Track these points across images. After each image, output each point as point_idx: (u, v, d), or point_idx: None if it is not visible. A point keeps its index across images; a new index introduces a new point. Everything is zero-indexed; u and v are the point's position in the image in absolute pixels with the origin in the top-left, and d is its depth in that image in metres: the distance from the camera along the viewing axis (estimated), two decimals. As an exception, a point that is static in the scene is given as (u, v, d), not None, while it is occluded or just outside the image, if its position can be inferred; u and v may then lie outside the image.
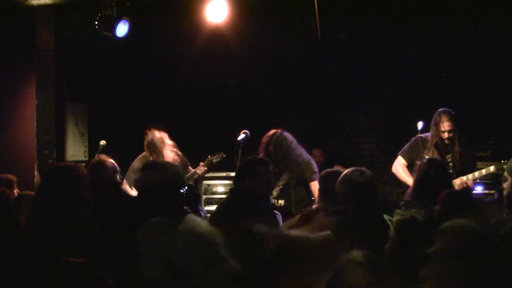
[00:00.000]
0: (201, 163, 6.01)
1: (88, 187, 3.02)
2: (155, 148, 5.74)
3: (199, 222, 3.09)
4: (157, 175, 3.16)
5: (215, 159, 5.87)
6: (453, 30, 7.27)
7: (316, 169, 5.38)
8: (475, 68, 7.30)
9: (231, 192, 4.14)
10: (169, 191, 3.10)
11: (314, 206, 4.36)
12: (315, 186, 5.22)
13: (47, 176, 3.13)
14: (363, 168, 3.48)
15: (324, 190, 4.03)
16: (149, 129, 5.83)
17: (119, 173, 4.62)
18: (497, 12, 6.89)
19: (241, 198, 3.92)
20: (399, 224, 2.67)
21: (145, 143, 5.79)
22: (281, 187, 5.29)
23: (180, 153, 6.07)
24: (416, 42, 7.52)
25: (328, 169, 4.27)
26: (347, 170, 3.53)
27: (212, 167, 6.18)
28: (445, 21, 7.25)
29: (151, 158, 5.70)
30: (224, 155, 5.86)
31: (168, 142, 5.86)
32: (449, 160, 5.35)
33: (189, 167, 6.10)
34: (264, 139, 5.38)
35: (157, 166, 3.34)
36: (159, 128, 5.87)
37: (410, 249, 2.59)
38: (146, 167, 3.30)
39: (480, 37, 7.24)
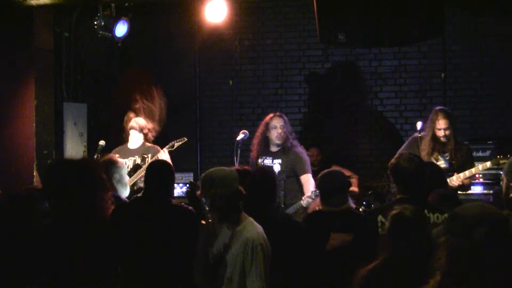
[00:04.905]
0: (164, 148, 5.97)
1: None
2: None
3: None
4: None
5: (176, 143, 5.89)
6: (452, 30, 7.27)
7: (308, 162, 5.54)
8: (474, 68, 7.29)
9: None
10: None
11: (317, 207, 4.33)
12: (305, 178, 5.38)
13: None
14: None
15: (324, 191, 4.02)
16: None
17: None
18: (496, 12, 6.89)
19: None
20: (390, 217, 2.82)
21: (142, 125, 5.97)
22: None
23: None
24: (416, 41, 7.49)
25: (325, 170, 4.27)
26: None
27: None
28: (444, 21, 7.24)
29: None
30: (186, 139, 5.91)
31: None
32: (446, 157, 5.36)
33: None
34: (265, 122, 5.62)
35: None
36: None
37: None
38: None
39: (479, 36, 7.23)
